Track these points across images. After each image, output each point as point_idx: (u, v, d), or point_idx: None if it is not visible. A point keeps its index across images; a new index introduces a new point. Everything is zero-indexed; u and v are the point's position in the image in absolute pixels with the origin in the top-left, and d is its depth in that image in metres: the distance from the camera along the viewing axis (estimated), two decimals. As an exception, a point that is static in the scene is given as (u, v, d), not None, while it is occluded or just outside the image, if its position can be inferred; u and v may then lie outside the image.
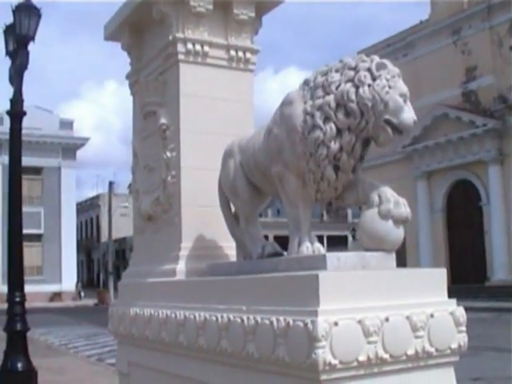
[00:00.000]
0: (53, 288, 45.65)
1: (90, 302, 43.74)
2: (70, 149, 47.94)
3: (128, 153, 5.73)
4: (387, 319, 3.24)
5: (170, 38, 5.00)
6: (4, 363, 9.20)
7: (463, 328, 3.55)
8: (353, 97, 3.58)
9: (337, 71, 3.71)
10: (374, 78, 3.59)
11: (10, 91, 10.56)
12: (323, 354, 3.03)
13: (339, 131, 3.62)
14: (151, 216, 5.28)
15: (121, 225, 79.41)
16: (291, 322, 3.22)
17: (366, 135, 3.65)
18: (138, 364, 5.24)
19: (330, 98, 3.64)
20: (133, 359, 5.33)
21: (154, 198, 5.17)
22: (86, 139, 50.30)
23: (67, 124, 49.18)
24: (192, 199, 4.90)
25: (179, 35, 4.97)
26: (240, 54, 5.21)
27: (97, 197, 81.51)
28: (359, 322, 3.16)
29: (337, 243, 45.28)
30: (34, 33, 10.18)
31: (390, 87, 3.57)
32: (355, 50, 39.71)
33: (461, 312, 3.55)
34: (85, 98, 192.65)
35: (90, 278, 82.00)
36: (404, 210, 3.64)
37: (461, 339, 3.53)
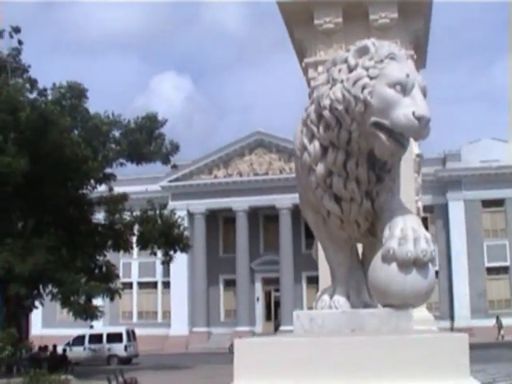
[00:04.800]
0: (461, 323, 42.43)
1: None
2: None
3: None
4: (334, 407, 2.31)
5: (303, 65, 4.58)
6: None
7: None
8: (326, 102, 2.71)
9: (328, 71, 2.87)
10: (350, 70, 2.66)
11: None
12: None
13: (325, 149, 2.78)
14: None
15: None
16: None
17: (362, 148, 2.70)
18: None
19: (311, 109, 2.84)
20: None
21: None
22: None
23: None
24: None
25: (309, 60, 4.50)
26: (386, 64, 4.38)
27: None
28: (284, 407, 2.34)
29: None
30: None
31: (371, 77, 2.57)
32: None
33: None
34: None
35: None
36: (411, 248, 2.52)
37: None
